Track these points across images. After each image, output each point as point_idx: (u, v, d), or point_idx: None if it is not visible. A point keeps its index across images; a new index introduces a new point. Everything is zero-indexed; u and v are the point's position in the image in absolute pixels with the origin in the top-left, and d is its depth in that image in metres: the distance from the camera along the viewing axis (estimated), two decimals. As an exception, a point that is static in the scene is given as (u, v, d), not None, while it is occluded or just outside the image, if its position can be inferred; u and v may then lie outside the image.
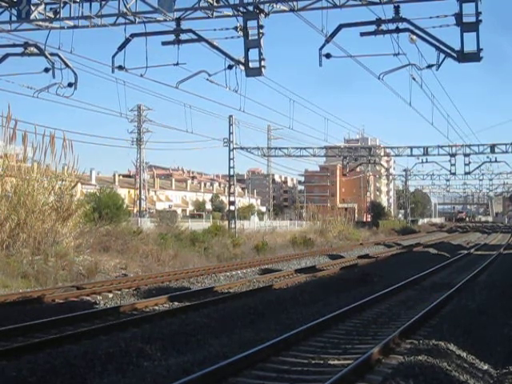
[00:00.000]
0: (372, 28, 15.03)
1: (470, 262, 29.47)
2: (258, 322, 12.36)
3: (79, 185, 28.72)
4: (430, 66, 15.43)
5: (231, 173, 45.31)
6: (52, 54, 17.24)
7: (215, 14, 15.81)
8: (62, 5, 15.36)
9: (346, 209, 69.95)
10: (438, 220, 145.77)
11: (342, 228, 52.98)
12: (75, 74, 17.53)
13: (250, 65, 15.58)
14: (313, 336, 10.74)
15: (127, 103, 62.59)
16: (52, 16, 15.78)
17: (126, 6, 15.30)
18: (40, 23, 16.14)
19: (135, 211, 54.42)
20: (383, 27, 14.88)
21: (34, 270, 18.75)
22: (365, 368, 8.25)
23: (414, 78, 17.31)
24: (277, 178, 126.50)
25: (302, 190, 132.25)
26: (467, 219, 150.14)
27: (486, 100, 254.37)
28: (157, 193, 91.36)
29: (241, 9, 15.33)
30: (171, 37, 16.17)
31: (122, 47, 16.66)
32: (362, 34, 15.22)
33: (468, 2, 13.89)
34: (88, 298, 15.77)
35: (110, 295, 16.29)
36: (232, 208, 45.56)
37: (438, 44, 14.68)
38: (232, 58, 15.92)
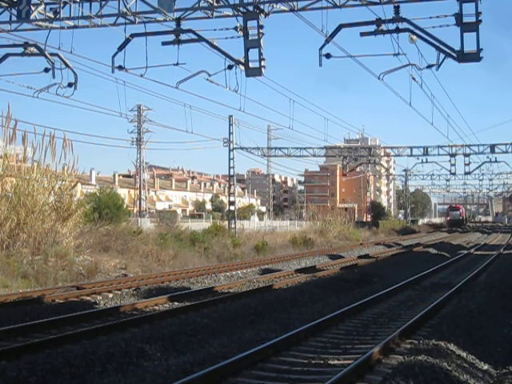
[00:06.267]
0: (372, 28, 15.05)
1: (470, 262, 29.47)
2: (258, 321, 12.36)
3: (79, 185, 28.74)
4: (429, 66, 15.44)
5: (231, 173, 45.29)
6: (52, 54, 17.26)
7: (215, 14, 15.81)
8: (61, 5, 15.38)
9: (345, 209, 70.12)
10: (437, 220, 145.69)
11: (342, 228, 53.00)
12: (75, 74, 17.58)
13: (250, 65, 15.58)
14: (313, 336, 10.73)
15: (127, 103, 62.94)
16: (52, 16, 15.80)
17: (126, 6, 15.31)
18: (40, 23, 16.15)
19: (135, 211, 54.44)
20: (383, 27, 14.89)
21: (33, 270, 18.75)
22: (365, 368, 8.26)
23: (413, 78, 17.34)
24: (277, 178, 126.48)
25: (302, 190, 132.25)
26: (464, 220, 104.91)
27: (486, 100, 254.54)
28: (157, 193, 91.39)
29: (241, 9, 15.34)
30: (171, 37, 16.19)
31: (121, 47, 16.68)
32: (362, 34, 15.24)
33: (468, 2, 13.91)
34: (88, 298, 15.76)
35: (110, 295, 16.28)
36: (232, 208, 45.56)
37: (438, 44, 14.68)
38: (232, 58, 15.92)
